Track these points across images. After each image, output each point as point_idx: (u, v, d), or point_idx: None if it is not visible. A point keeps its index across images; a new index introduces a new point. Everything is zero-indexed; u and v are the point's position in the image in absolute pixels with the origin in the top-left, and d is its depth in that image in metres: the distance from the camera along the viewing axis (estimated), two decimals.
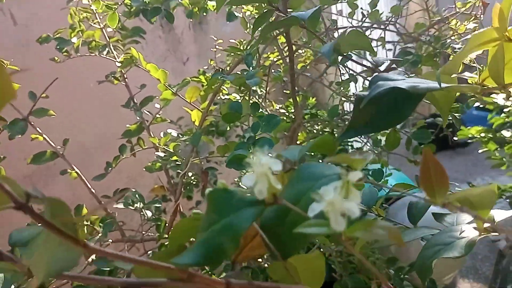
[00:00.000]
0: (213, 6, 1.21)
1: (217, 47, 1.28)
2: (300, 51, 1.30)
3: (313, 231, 0.30)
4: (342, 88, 1.08)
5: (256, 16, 1.18)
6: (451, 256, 0.47)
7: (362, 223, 0.30)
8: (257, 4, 1.10)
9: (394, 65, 0.53)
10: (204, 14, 1.21)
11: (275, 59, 1.24)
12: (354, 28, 0.51)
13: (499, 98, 1.33)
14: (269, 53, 1.29)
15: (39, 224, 0.33)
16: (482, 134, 1.59)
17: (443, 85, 0.43)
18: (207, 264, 0.32)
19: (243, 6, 1.16)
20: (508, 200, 1.46)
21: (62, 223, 0.31)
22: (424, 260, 0.49)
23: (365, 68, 0.52)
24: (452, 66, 0.42)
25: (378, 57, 0.54)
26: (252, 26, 0.88)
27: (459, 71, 0.45)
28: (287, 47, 1.12)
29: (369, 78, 0.46)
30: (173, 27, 1.73)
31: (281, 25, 0.52)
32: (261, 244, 0.40)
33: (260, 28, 0.52)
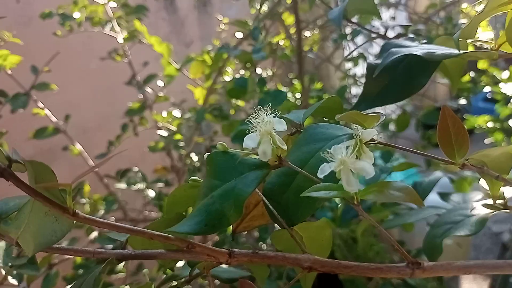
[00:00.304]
0: None
1: (221, 27, 1.25)
2: (306, 34, 1.27)
3: (322, 194, 0.28)
4: (351, 67, 1.04)
5: None
6: (462, 234, 0.45)
7: (376, 184, 0.27)
8: None
9: (403, 32, 0.50)
10: None
11: (281, 41, 1.21)
12: None
13: (507, 88, 1.29)
14: (274, 36, 1.26)
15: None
16: (489, 124, 1.55)
17: (461, 51, 0.40)
18: (208, 232, 0.30)
19: None
20: None
21: (48, 190, 0.29)
22: (433, 239, 0.47)
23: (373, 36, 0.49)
24: (470, 29, 0.39)
25: (386, 21, 0.52)
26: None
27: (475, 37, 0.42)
28: (293, 27, 1.09)
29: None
30: (177, 9, 1.70)
31: None
32: (263, 213, 0.38)
33: None
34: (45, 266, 0.68)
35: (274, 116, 0.30)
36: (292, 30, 0.99)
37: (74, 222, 0.29)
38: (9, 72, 0.86)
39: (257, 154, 0.30)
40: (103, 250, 0.31)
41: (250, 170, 0.30)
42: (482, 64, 1.11)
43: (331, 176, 0.29)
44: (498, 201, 0.44)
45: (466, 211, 0.46)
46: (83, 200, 0.91)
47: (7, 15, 1.25)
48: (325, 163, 0.27)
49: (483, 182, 0.49)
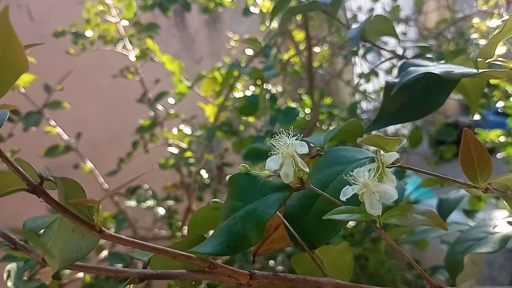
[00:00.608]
0: (229, 1, 1.19)
1: (231, 44, 1.26)
2: (316, 49, 1.28)
3: (345, 217, 0.28)
4: (362, 83, 1.04)
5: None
6: (484, 251, 0.44)
7: (398, 208, 0.27)
8: None
9: (421, 53, 0.50)
10: (220, 10, 1.20)
11: (290, 58, 1.22)
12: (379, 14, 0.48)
13: None
14: (284, 53, 1.27)
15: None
16: (501, 138, 1.54)
17: (477, 70, 0.40)
18: (230, 253, 0.29)
19: (259, 1, 1.14)
20: None
21: (77, 207, 0.29)
22: (455, 256, 0.46)
23: (389, 57, 0.50)
24: (488, 49, 0.39)
25: (405, 43, 0.52)
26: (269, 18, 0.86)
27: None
28: (304, 44, 1.10)
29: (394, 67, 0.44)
30: (188, 26, 1.73)
31: (302, 10, 0.50)
32: (284, 236, 0.38)
33: (277, 15, 0.50)
34: (55, 287, 0.67)
35: (296, 139, 0.30)
36: (302, 46, 1.00)
37: (99, 239, 0.29)
38: (23, 90, 0.87)
39: (279, 176, 0.30)
40: (126, 269, 0.31)
41: (272, 192, 0.30)
42: (493, 80, 1.10)
43: (353, 199, 0.29)
44: None
45: (489, 229, 0.45)
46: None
47: (20, 33, 1.27)
48: (347, 186, 0.27)
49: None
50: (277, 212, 0.34)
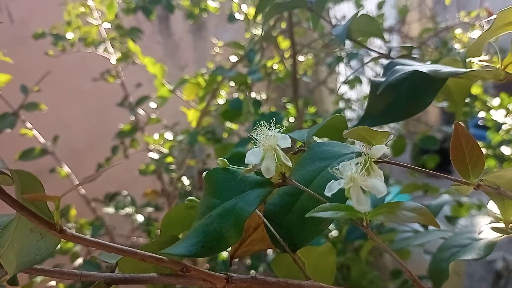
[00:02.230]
0: (214, 7, 1.18)
1: (216, 50, 1.25)
2: (301, 58, 1.27)
3: (329, 215, 0.26)
4: (346, 91, 1.04)
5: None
6: (470, 258, 0.43)
7: (386, 205, 0.26)
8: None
9: (405, 53, 0.49)
10: (204, 15, 1.18)
11: (275, 66, 1.21)
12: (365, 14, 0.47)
13: (498, 116, 1.30)
14: (268, 59, 1.26)
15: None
16: (483, 151, 1.56)
17: (464, 69, 0.39)
18: (206, 254, 0.27)
19: (244, 8, 1.13)
20: None
21: (35, 204, 0.27)
22: (440, 263, 0.45)
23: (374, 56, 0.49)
24: (476, 48, 0.38)
25: (391, 44, 0.51)
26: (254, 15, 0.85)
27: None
28: (288, 51, 1.09)
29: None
30: (172, 33, 1.71)
31: (287, 7, 0.49)
32: (263, 238, 0.36)
33: (262, 12, 0.48)
34: None
35: (278, 132, 0.29)
36: (287, 54, 0.99)
37: (60, 240, 0.26)
38: None
39: (259, 171, 0.28)
40: (91, 273, 0.29)
41: (252, 188, 0.28)
42: (475, 89, 1.11)
43: (338, 195, 0.27)
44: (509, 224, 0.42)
45: (474, 235, 0.44)
46: (69, 225, 0.87)
47: (1, 35, 1.24)
48: (333, 181, 0.25)
49: (492, 206, 0.47)
50: (257, 211, 0.32)
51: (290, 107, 1.18)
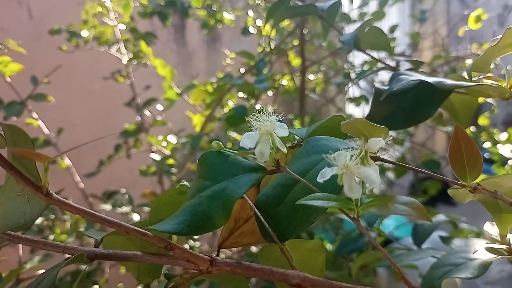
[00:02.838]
0: (229, 20, 1.20)
1: (227, 61, 1.26)
2: (310, 76, 1.28)
3: (321, 204, 0.25)
4: (352, 112, 1.04)
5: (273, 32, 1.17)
6: (463, 277, 0.42)
7: (379, 198, 0.25)
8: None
9: (413, 67, 0.49)
10: (219, 26, 1.20)
11: (284, 81, 1.22)
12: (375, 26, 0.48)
13: (504, 150, 1.29)
14: (277, 73, 1.27)
15: None
16: None
17: (470, 83, 0.39)
18: (191, 233, 0.27)
19: (259, 21, 1.15)
20: None
21: (25, 165, 0.26)
22: (432, 281, 0.44)
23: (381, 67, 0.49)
24: (483, 62, 0.38)
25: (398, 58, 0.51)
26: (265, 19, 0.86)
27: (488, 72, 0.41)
28: (299, 66, 1.10)
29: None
30: (187, 42, 1.73)
31: (298, 13, 0.49)
32: (253, 231, 0.35)
33: (273, 16, 0.49)
34: (12, 280, 0.63)
35: (277, 120, 0.28)
36: (296, 63, 0.99)
37: (47, 206, 0.26)
38: (8, 80, 0.85)
39: (254, 155, 0.27)
40: (74, 246, 0.28)
41: (244, 172, 0.28)
42: (482, 120, 1.11)
43: (331, 187, 0.27)
44: (503, 246, 0.41)
45: (468, 254, 0.43)
46: (65, 217, 0.87)
47: (18, 30, 1.27)
48: (326, 167, 0.25)
49: (487, 227, 0.46)
50: (249, 202, 0.32)
51: (296, 123, 1.18)
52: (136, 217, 0.89)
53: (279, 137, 0.29)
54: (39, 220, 0.84)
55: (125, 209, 0.93)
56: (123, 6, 0.90)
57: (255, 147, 0.28)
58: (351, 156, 0.25)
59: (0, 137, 0.27)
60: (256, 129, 0.28)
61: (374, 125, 0.27)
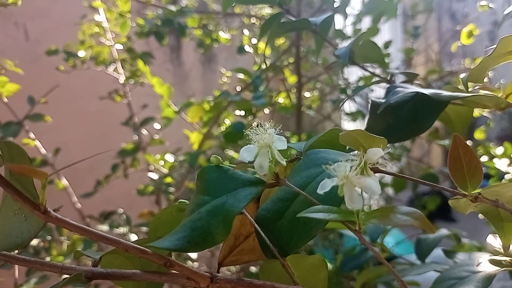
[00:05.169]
0: (225, 38, 1.21)
1: (224, 80, 1.27)
2: (306, 94, 1.29)
3: (322, 216, 0.25)
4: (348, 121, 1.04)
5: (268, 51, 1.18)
6: None
7: (380, 209, 0.25)
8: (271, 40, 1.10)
9: (408, 79, 0.50)
10: (215, 45, 1.21)
11: (280, 99, 1.23)
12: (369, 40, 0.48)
13: (501, 164, 1.29)
14: (274, 91, 1.28)
15: None
16: None
17: (466, 93, 0.39)
18: (192, 250, 0.26)
19: (255, 40, 1.17)
20: None
21: (22, 183, 0.26)
22: None
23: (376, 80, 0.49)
24: (478, 73, 0.38)
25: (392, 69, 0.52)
26: (260, 40, 0.87)
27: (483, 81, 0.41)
28: (295, 83, 1.11)
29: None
30: (183, 62, 1.75)
31: (291, 28, 0.50)
32: (254, 248, 0.35)
33: (267, 32, 0.50)
34: None
35: (276, 133, 0.28)
36: (292, 80, 1.00)
37: (44, 224, 0.25)
38: (5, 100, 0.85)
39: (253, 168, 0.27)
40: (72, 266, 0.28)
41: (243, 186, 0.28)
42: (478, 134, 1.11)
43: (332, 199, 0.27)
44: (507, 258, 0.41)
45: (472, 267, 0.42)
46: (62, 238, 0.85)
47: (14, 51, 1.27)
48: (326, 179, 0.25)
49: (490, 239, 0.46)
50: (249, 217, 0.32)
51: (293, 140, 1.18)
52: (133, 237, 0.88)
53: (278, 150, 0.29)
54: (35, 242, 0.83)
55: (123, 229, 0.92)
56: (120, 25, 0.91)
57: (254, 161, 0.27)
58: (351, 167, 0.25)
59: None
60: (254, 142, 0.27)
61: (372, 136, 0.27)
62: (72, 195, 0.94)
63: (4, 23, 1.29)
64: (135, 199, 1.11)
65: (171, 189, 0.95)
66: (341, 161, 0.29)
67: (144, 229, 0.90)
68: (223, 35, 1.21)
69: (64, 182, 0.93)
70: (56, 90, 0.96)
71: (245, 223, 0.34)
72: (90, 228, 0.25)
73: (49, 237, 0.85)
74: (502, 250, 0.41)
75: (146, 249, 0.26)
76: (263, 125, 0.29)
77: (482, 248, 0.76)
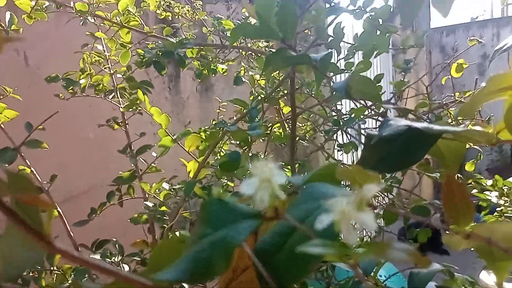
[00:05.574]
0: (222, 69, 1.24)
1: (220, 109, 1.29)
2: (300, 124, 1.32)
3: (319, 251, 0.26)
4: (342, 159, 1.06)
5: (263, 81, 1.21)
6: None
7: (376, 244, 0.26)
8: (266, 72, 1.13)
9: (401, 114, 0.52)
10: (213, 75, 1.24)
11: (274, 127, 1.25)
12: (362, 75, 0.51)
13: (493, 196, 1.31)
14: (269, 120, 1.30)
15: None
16: None
17: (458, 128, 0.41)
18: (194, 281, 0.27)
19: (250, 71, 1.20)
20: None
21: (27, 213, 0.27)
22: None
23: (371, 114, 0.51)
24: (470, 108, 0.40)
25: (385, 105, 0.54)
26: (262, 71, 0.89)
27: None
28: (289, 114, 1.13)
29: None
30: (180, 91, 1.78)
31: (293, 63, 0.52)
32: (252, 280, 0.35)
33: (270, 66, 0.52)
34: None
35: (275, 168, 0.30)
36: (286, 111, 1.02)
37: (46, 253, 0.26)
38: (1, 126, 0.86)
39: (253, 202, 0.28)
40: None
41: (243, 218, 0.29)
42: (469, 167, 1.13)
43: (328, 231, 0.28)
44: None
45: None
46: (52, 268, 0.84)
47: (14, 76, 1.29)
48: (323, 214, 0.26)
49: (483, 276, 0.47)
50: (248, 250, 0.32)
51: (286, 170, 1.20)
52: (125, 268, 0.88)
53: (277, 184, 0.30)
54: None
55: (115, 259, 0.91)
56: (121, 55, 0.94)
57: (254, 194, 0.28)
58: (347, 202, 0.26)
59: (3, 184, 0.27)
60: (255, 175, 0.29)
61: (367, 173, 0.29)
62: (66, 223, 0.93)
63: (5, 49, 1.31)
64: (130, 226, 1.10)
65: (166, 218, 0.95)
66: (338, 196, 0.30)
67: (137, 259, 0.90)
68: (221, 66, 1.23)
69: (58, 209, 0.93)
70: (55, 115, 0.97)
71: (243, 256, 0.35)
72: (91, 261, 0.26)
73: (38, 267, 0.84)
74: (496, 287, 0.41)
75: (147, 281, 0.27)
76: (259, 156, 0.30)
77: (475, 283, 0.77)
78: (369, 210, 0.27)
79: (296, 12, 0.51)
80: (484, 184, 1.26)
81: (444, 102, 1.23)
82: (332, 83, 0.52)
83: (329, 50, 0.49)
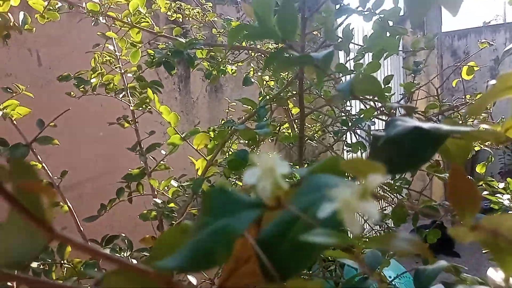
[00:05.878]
0: (231, 69, 1.25)
1: (230, 109, 1.30)
2: (308, 124, 1.32)
3: (322, 240, 0.26)
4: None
5: (271, 82, 1.21)
6: None
7: (380, 236, 0.26)
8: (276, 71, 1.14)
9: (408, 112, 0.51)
10: (223, 75, 1.25)
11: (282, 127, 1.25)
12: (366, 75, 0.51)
13: (505, 199, 1.29)
14: (277, 121, 1.30)
15: None
16: None
17: (466, 128, 0.40)
18: (194, 270, 0.27)
19: (259, 71, 1.20)
20: None
21: (29, 199, 0.27)
22: None
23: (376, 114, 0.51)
24: (478, 107, 0.40)
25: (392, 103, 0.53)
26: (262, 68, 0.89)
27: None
28: (297, 114, 1.13)
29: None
30: (190, 91, 1.79)
31: (294, 63, 0.52)
32: (254, 271, 0.35)
33: (271, 65, 0.52)
34: None
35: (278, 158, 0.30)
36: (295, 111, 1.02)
37: (47, 241, 0.26)
38: (14, 122, 0.87)
39: (256, 192, 0.28)
40: (71, 286, 0.28)
41: (246, 208, 0.29)
42: (480, 169, 1.12)
43: (331, 220, 0.27)
44: None
45: None
46: (62, 261, 0.85)
47: (27, 75, 1.32)
48: (327, 203, 0.26)
49: (491, 273, 0.46)
50: (250, 241, 0.32)
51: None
52: (134, 262, 0.88)
53: (280, 173, 0.30)
54: (34, 264, 0.83)
55: (124, 254, 0.91)
56: (132, 55, 0.95)
57: (257, 183, 0.28)
58: (351, 192, 0.26)
59: (4, 171, 0.28)
60: (258, 165, 0.29)
61: (372, 164, 0.29)
62: (76, 218, 0.94)
63: (18, 49, 1.33)
64: (139, 223, 1.11)
65: (174, 215, 0.96)
66: (342, 186, 0.30)
67: (146, 254, 0.90)
68: (230, 67, 1.24)
69: (69, 204, 0.94)
70: (65, 113, 0.98)
71: (246, 246, 0.35)
72: (94, 249, 0.26)
73: (48, 260, 0.85)
74: (503, 284, 0.41)
75: (149, 269, 0.27)
76: (265, 153, 0.30)
77: (484, 282, 0.75)
78: (372, 200, 0.27)
79: (297, 10, 0.51)
80: (496, 187, 1.24)
81: (455, 104, 1.21)
82: (336, 80, 0.51)
83: (331, 49, 0.49)
